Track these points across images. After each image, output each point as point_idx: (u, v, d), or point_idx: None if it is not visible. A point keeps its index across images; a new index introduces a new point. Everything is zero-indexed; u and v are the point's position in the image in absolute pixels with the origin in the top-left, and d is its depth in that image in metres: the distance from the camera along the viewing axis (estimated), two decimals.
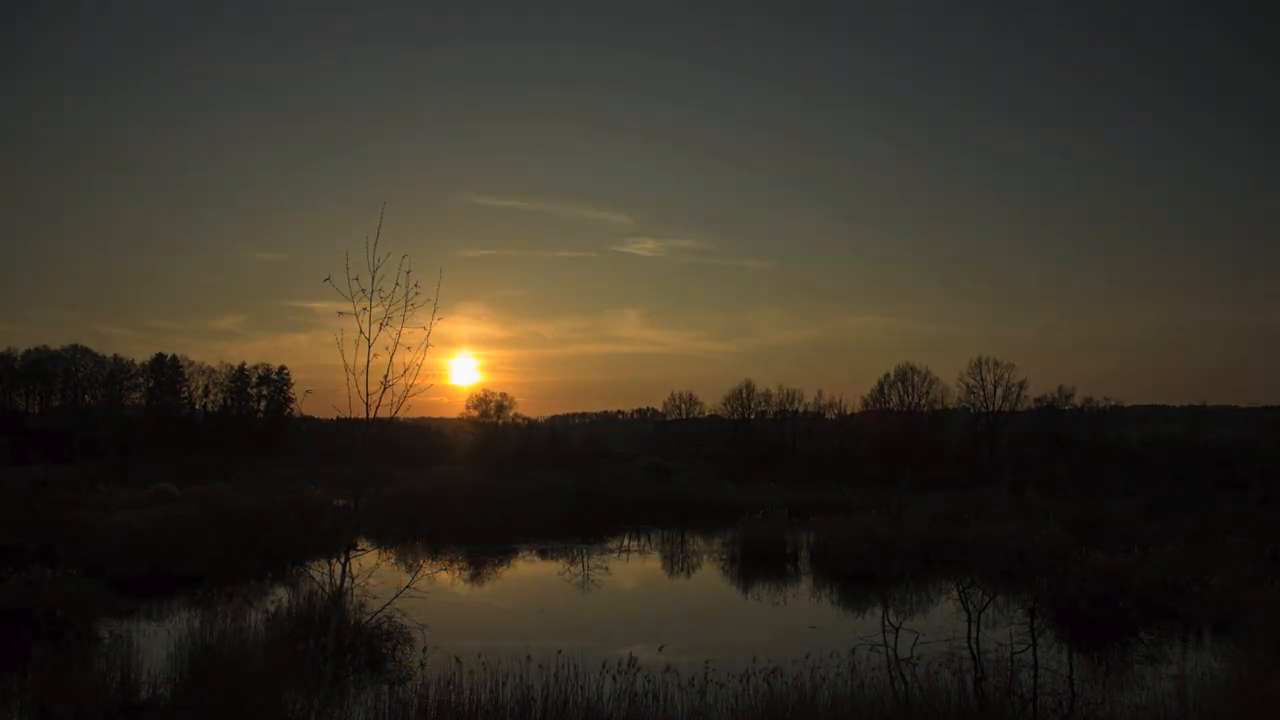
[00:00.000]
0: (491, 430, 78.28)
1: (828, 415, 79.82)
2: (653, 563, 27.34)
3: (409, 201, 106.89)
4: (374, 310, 7.64)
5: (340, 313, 7.67)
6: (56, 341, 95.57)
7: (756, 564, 25.58)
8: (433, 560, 25.31)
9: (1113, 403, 71.56)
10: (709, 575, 24.84)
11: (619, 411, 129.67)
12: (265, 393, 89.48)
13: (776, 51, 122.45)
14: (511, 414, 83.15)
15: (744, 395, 78.36)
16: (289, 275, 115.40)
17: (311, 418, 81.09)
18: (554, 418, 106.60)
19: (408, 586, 8.65)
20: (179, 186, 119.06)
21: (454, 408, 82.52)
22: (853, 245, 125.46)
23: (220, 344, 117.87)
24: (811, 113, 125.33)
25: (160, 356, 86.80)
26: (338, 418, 8.05)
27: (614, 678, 9.93)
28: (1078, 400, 69.68)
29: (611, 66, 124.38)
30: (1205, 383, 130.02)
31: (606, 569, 24.78)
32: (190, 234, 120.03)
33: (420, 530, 29.82)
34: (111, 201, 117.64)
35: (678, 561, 28.07)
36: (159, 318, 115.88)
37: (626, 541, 31.85)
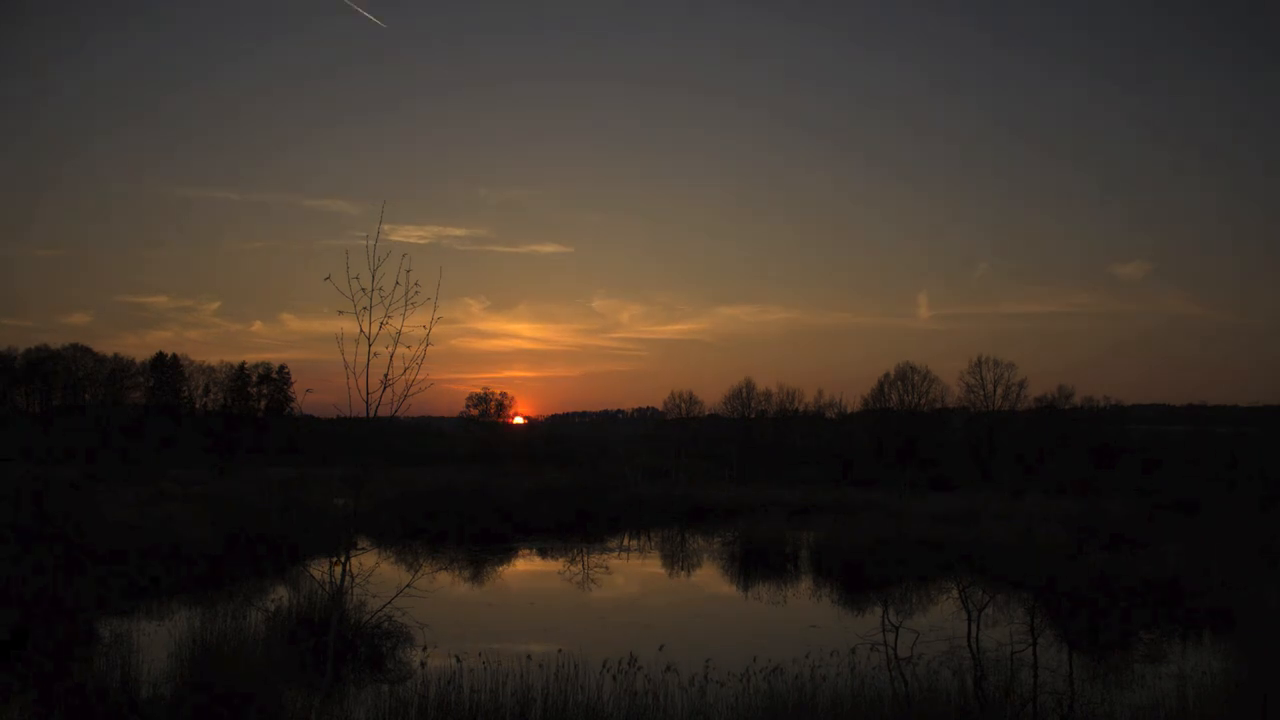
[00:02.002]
0: (491, 429, 78.34)
1: (828, 415, 79.90)
2: (653, 562, 27.34)
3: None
4: (374, 310, 7.64)
5: (340, 311, 7.68)
6: (56, 341, 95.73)
7: (756, 563, 25.59)
8: (433, 560, 25.31)
9: (1113, 402, 71.66)
10: (709, 574, 24.84)
11: (619, 410, 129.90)
12: (265, 391, 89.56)
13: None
14: (511, 413, 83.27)
15: (744, 394, 78.48)
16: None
17: (312, 417, 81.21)
18: (554, 417, 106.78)
19: (408, 586, 8.66)
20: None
21: (454, 406, 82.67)
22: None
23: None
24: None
25: (160, 355, 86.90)
26: (338, 416, 8.05)
27: (614, 677, 9.94)
28: (1078, 400, 69.76)
29: None
30: (1205, 382, 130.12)
31: (606, 568, 24.79)
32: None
33: (420, 530, 29.84)
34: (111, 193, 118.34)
35: (678, 561, 28.07)
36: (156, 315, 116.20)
37: (626, 541, 31.86)
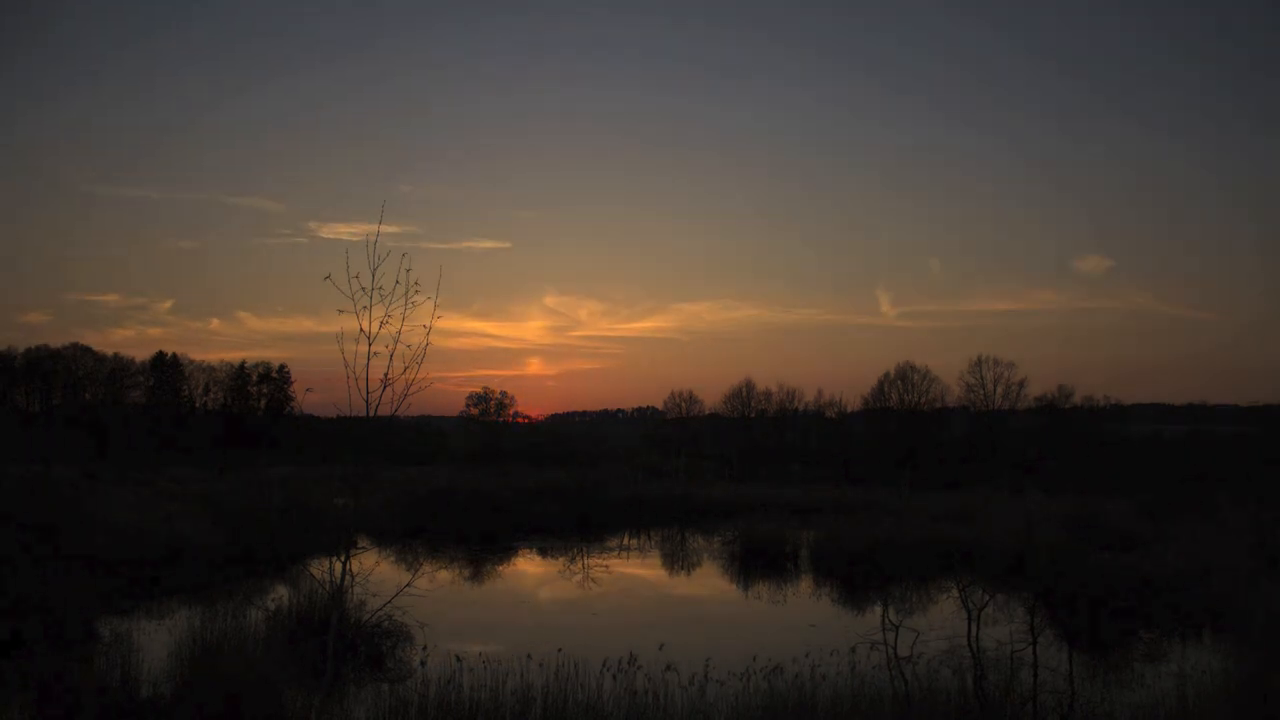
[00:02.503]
0: (491, 429, 78.32)
1: (828, 414, 79.89)
2: (653, 561, 27.35)
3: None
4: (374, 309, 7.65)
5: (340, 310, 7.69)
6: (57, 340, 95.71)
7: (756, 562, 25.58)
8: (433, 560, 25.32)
9: (1113, 401, 71.65)
10: (709, 573, 24.84)
11: (619, 410, 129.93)
12: (265, 391, 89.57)
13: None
14: (511, 412, 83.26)
15: (744, 394, 78.48)
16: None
17: (313, 416, 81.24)
18: (554, 416, 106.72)
19: (408, 585, 8.67)
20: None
21: (454, 406, 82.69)
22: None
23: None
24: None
25: (160, 355, 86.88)
26: (338, 416, 8.06)
27: (614, 676, 9.94)
28: (1078, 399, 69.76)
29: None
30: (1205, 382, 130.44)
31: (606, 568, 24.79)
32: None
33: (420, 529, 29.84)
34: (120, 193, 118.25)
35: (678, 560, 28.07)
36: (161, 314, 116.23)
37: (626, 540, 31.86)
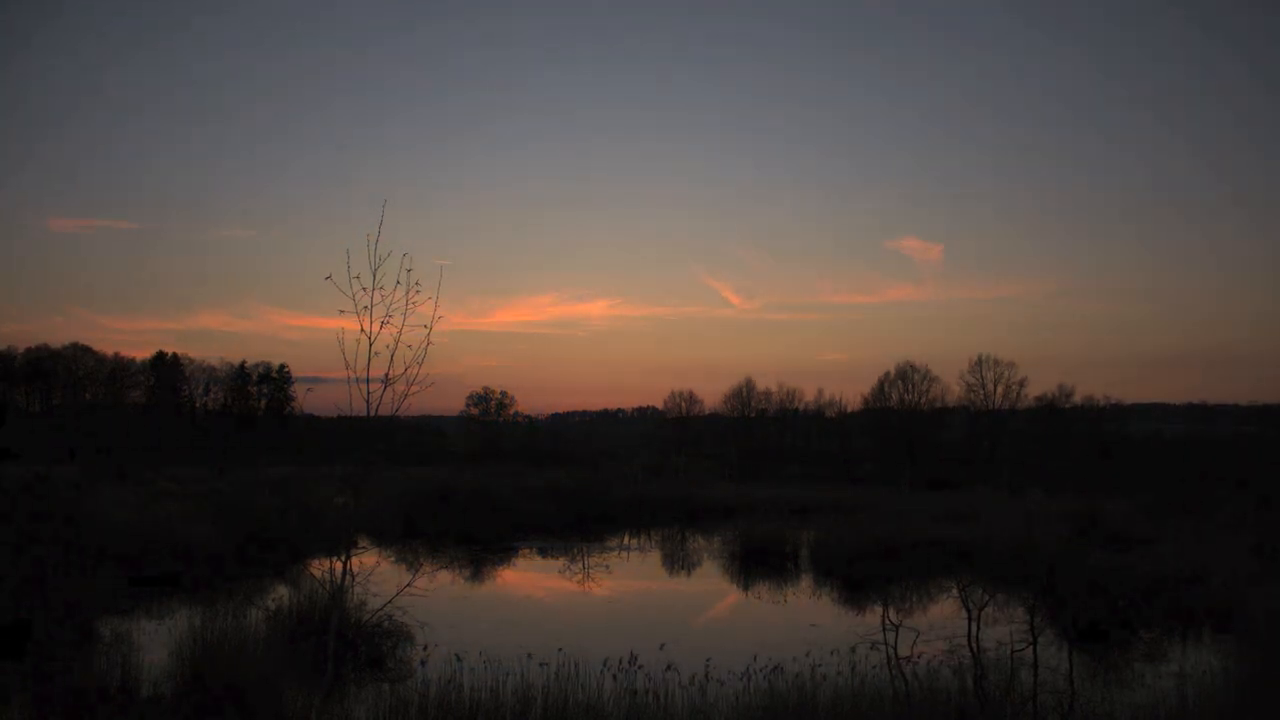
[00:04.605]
0: (491, 428, 78.35)
1: (828, 414, 79.90)
2: (653, 561, 27.35)
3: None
4: (375, 309, 7.65)
5: (341, 311, 7.69)
6: (57, 340, 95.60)
7: (757, 562, 25.57)
8: (433, 560, 25.31)
9: (1113, 401, 71.61)
10: (709, 573, 24.84)
11: (619, 409, 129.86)
12: (265, 391, 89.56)
13: None
14: (511, 412, 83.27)
15: (744, 393, 78.44)
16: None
17: (313, 416, 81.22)
18: (554, 415, 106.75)
19: (408, 585, 8.67)
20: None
21: (454, 405, 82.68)
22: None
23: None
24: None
25: (160, 354, 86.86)
26: (338, 416, 8.08)
27: (614, 676, 9.93)
28: (1078, 398, 69.75)
29: None
30: (1205, 382, 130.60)
31: (607, 567, 24.79)
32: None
33: (420, 529, 29.82)
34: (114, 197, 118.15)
35: (678, 560, 28.08)
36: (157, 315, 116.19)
37: (627, 540, 31.86)
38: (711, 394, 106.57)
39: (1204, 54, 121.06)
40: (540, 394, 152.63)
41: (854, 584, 22.09)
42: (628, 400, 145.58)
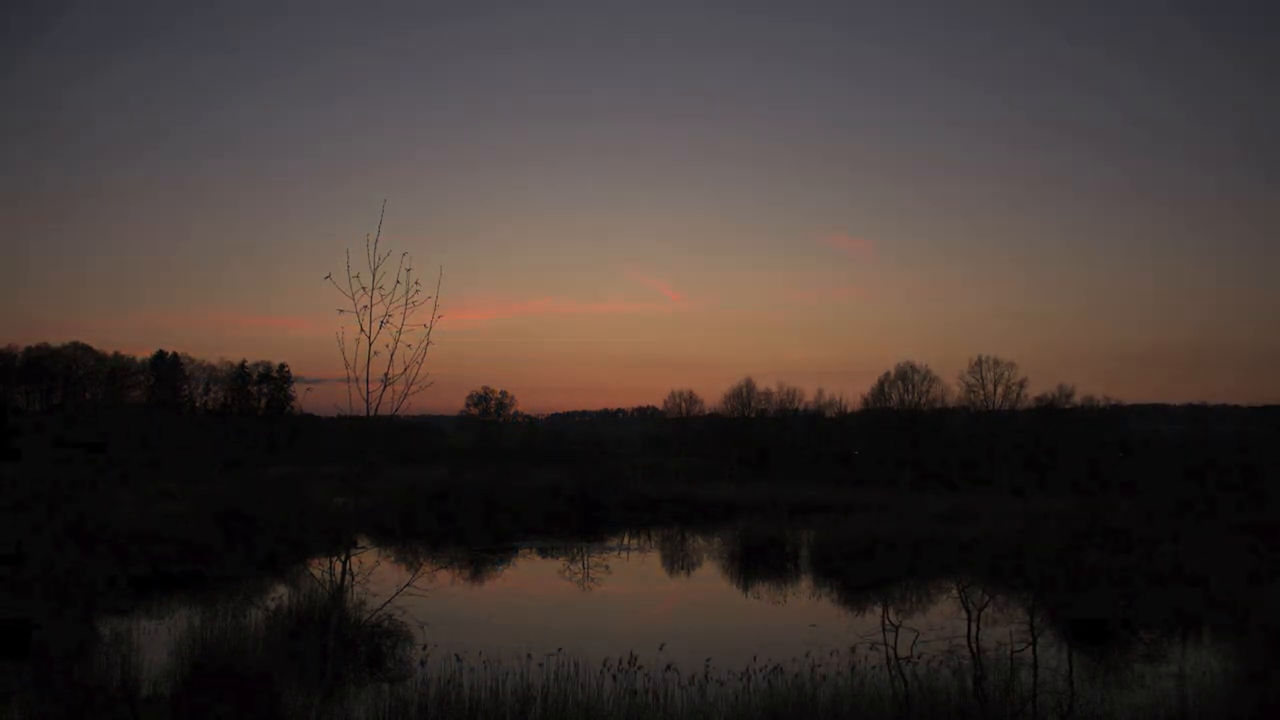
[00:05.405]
0: (491, 428, 78.34)
1: (828, 414, 79.84)
2: (653, 561, 27.34)
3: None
4: (374, 308, 7.64)
5: (341, 310, 7.68)
6: (57, 339, 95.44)
7: (756, 562, 25.57)
8: (433, 559, 25.30)
9: (1113, 402, 71.52)
10: (709, 573, 24.84)
11: (619, 409, 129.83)
12: (265, 390, 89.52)
13: None
14: (511, 411, 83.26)
15: (744, 394, 78.33)
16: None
17: (313, 415, 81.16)
18: (554, 415, 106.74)
19: (408, 585, 8.64)
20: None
21: (454, 405, 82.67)
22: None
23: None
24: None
25: (161, 354, 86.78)
26: (339, 415, 8.08)
27: (614, 676, 9.93)
28: (1078, 399, 69.67)
29: None
30: (1205, 382, 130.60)
31: (607, 567, 24.78)
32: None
33: (420, 529, 29.81)
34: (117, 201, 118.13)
35: (678, 560, 28.07)
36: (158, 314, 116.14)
37: (626, 540, 31.84)
38: (711, 394, 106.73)
39: (1204, 54, 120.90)
40: (539, 393, 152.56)
41: (854, 584, 22.07)
42: (628, 400, 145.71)
